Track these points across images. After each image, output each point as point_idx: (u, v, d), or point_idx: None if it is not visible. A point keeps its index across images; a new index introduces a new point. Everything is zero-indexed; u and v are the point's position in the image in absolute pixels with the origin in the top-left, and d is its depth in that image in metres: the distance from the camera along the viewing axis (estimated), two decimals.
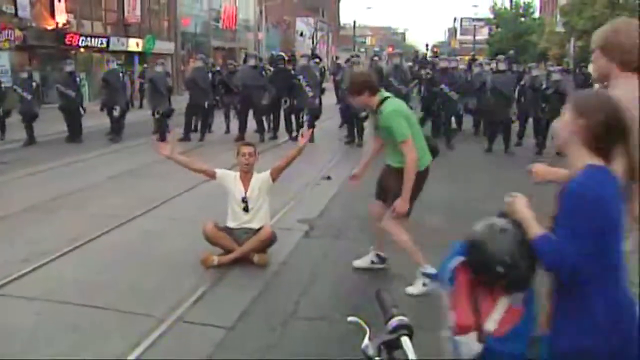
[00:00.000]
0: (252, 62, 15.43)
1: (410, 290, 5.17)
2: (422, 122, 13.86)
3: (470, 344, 2.29)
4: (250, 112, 14.98)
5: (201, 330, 4.55)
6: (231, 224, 6.13)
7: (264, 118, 15.32)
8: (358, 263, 5.85)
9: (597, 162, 2.24)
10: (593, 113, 2.23)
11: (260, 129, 15.08)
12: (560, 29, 37.07)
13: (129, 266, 5.91)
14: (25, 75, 15.19)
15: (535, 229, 2.28)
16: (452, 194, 8.76)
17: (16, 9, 22.38)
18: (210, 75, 16.01)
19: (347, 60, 17.56)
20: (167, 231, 7.07)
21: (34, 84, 15.10)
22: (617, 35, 2.94)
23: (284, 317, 4.75)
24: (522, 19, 52.55)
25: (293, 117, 15.11)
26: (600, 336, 2.19)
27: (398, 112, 5.08)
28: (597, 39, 3.02)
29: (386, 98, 5.19)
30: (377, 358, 1.73)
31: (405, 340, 1.76)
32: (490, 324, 2.29)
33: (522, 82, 14.57)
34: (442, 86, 13.76)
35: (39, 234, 6.98)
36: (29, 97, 14.55)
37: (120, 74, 15.94)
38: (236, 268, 5.83)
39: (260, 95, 14.63)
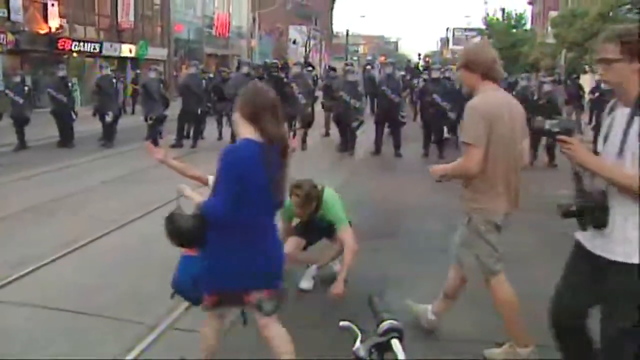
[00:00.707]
0: (245, 69, 15.48)
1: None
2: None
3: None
4: None
5: (194, 337, 4.56)
6: None
7: None
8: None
9: (251, 136, 3.24)
10: (246, 101, 3.41)
11: None
12: (551, 40, 37.38)
13: (125, 270, 5.92)
14: (17, 79, 15.17)
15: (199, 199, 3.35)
16: (447, 201, 8.78)
17: (9, 13, 22.35)
18: (203, 82, 16.05)
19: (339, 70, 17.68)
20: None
21: (26, 88, 15.06)
22: (477, 54, 3.96)
23: (282, 324, 4.75)
24: (514, 30, 52.90)
25: (285, 125, 15.12)
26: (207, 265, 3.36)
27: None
28: (461, 61, 4.03)
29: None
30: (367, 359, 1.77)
31: (395, 343, 1.82)
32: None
33: (513, 93, 14.67)
34: (434, 96, 13.80)
35: (34, 237, 7.00)
36: (21, 101, 14.52)
37: (114, 80, 15.96)
38: None
39: None
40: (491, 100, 3.87)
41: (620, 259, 2.79)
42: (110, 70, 16.67)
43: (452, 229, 7.37)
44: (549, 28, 39.24)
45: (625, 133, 2.77)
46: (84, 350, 4.30)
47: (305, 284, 5.58)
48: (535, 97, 13.36)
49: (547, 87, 13.48)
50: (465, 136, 3.87)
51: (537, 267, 6.07)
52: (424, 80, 16.82)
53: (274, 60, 18.33)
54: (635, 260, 2.75)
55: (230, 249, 3.25)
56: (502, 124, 3.79)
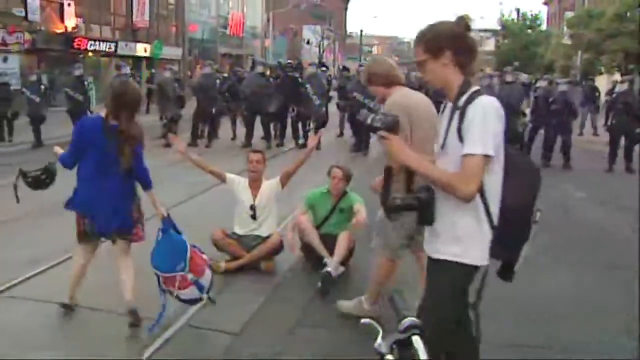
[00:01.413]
0: (259, 69, 15.57)
1: None
2: None
3: None
4: (257, 119, 15.06)
5: (208, 336, 4.58)
6: (239, 230, 6.16)
7: (271, 125, 15.41)
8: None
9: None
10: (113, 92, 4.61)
11: (266, 136, 15.18)
12: (567, 41, 37.14)
13: (136, 270, 5.93)
14: (34, 78, 15.32)
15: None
16: None
17: (26, 13, 22.54)
18: (217, 81, 16.10)
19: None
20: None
21: (42, 87, 15.20)
22: (372, 68, 4.53)
23: (291, 323, 4.78)
24: (529, 31, 52.67)
25: (300, 125, 15.16)
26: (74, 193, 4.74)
27: None
28: (364, 79, 4.63)
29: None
30: (389, 356, 1.77)
31: (416, 340, 1.82)
32: None
33: (535, 95, 14.51)
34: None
35: (45, 236, 7.03)
36: (37, 99, 14.65)
37: (130, 80, 16.01)
38: (243, 274, 5.86)
39: (267, 103, 14.71)
40: (409, 94, 4.36)
41: (445, 257, 2.73)
42: (130, 70, 16.74)
43: None
44: (565, 29, 38.97)
45: (447, 129, 2.71)
46: (100, 347, 4.32)
47: (334, 271, 5.54)
48: (550, 100, 13.29)
49: (562, 88, 13.42)
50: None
51: (543, 268, 6.06)
52: None
53: (289, 61, 18.36)
54: (466, 260, 2.68)
55: (85, 187, 4.61)
56: (420, 117, 4.15)
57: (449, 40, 2.72)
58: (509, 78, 13.69)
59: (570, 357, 4.27)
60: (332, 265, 5.51)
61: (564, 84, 13.80)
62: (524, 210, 2.71)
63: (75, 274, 4.83)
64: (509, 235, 2.68)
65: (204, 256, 4.73)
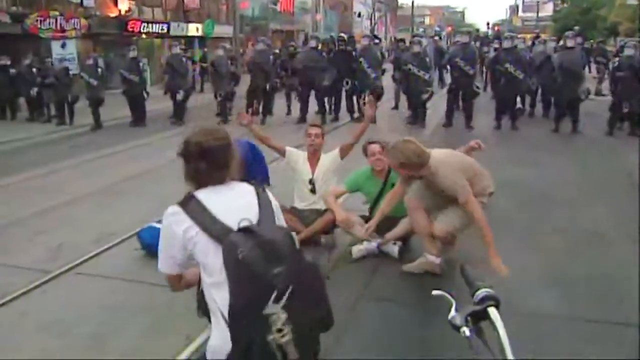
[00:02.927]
0: (313, 43, 15.42)
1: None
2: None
3: None
4: (312, 94, 14.98)
5: None
6: (299, 204, 6.12)
7: (325, 99, 15.31)
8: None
9: None
10: None
11: (321, 110, 15.14)
12: (633, 1, 35.48)
13: None
14: (90, 62, 15.57)
15: None
16: (519, 176, 8.47)
17: None
18: (271, 57, 16.05)
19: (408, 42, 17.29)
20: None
21: (99, 70, 15.46)
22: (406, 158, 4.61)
23: (354, 298, 4.71)
24: None
25: (355, 98, 15.00)
26: None
27: None
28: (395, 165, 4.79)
29: None
30: (464, 327, 1.68)
31: (492, 311, 1.73)
32: None
33: (617, 61, 13.42)
34: (507, 65, 13.19)
35: (110, 215, 7.18)
36: (95, 83, 14.92)
37: (183, 58, 16.17)
38: (303, 250, 5.80)
39: (322, 77, 14.61)
40: (445, 158, 4.78)
41: None
42: (181, 49, 16.87)
43: (524, 204, 7.16)
44: None
45: None
46: (166, 324, 4.35)
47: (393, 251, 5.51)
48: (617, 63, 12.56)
49: (628, 52, 12.65)
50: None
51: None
52: (495, 49, 16.29)
53: (340, 34, 18.15)
54: None
55: None
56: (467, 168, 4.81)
57: None
58: (570, 43, 13.07)
59: None
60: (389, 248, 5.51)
61: (630, 47, 13.01)
62: None
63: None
64: None
65: None
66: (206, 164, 2.28)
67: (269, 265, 1.99)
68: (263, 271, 1.98)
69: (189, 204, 2.24)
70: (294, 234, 2.24)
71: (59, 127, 15.20)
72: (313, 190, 6.06)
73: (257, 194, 2.31)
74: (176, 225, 2.22)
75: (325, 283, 2.27)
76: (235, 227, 2.09)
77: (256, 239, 2.04)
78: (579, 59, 13.13)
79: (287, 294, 1.96)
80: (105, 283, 5.17)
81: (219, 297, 2.10)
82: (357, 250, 5.58)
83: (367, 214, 5.86)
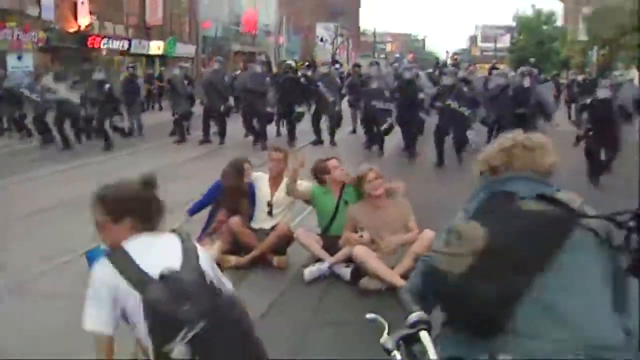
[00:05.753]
0: (257, 68, 15.18)
1: None
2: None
3: None
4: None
5: None
6: (254, 224, 6.13)
7: (266, 125, 14.64)
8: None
9: None
10: None
11: (263, 136, 14.33)
12: (583, 37, 36.79)
13: None
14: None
15: None
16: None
17: (40, 11, 22.67)
18: (225, 78, 15.97)
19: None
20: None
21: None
22: None
23: (305, 320, 4.69)
24: (545, 27, 52.30)
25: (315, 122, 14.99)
26: None
27: None
28: None
29: None
30: (395, 351, 1.70)
31: (424, 335, 1.75)
32: None
33: (588, 105, 10.96)
34: (448, 101, 12.03)
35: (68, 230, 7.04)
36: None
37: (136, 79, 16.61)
38: (255, 270, 5.78)
39: (262, 102, 14.17)
40: None
41: None
42: (131, 68, 17.39)
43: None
44: (581, 25, 38.61)
45: None
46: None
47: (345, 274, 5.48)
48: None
49: (602, 93, 10.39)
50: None
51: None
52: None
53: (287, 61, 18.19)
54: None
55: None
56: None
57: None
58: (526, 83, 11.89)
59: None
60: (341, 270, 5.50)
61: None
62: None
63: None
64: None
65: None
66: (131, 218, 2.40)
67: (178, 305, 2.14)
68: (171, 310, 2.13)
69: (116, 255, 2.33)
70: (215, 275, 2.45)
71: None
72: (270, 213, 6.08)
73: (182, 241, 2.42)
74: (104, 276, 2.30)
75: (249, 318, 2.44)
76: (156, 276, 2.21)
77: (171, 284, 2.18)
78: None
79: (195, 330, 2.09)
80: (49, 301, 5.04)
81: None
82: (309, 272, 5.57)
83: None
